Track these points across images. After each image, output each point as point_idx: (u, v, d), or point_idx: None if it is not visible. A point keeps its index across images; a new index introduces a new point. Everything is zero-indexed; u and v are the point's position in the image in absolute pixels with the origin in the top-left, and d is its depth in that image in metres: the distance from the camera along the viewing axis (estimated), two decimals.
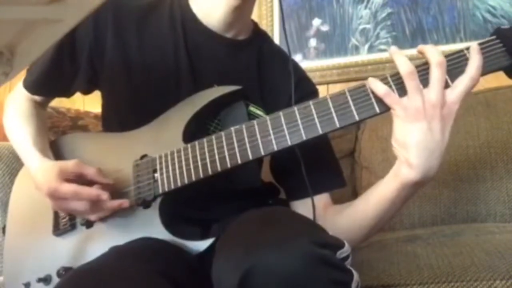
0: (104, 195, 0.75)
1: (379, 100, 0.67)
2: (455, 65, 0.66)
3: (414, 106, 0.65)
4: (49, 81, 0.91)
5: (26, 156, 0.87)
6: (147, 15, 0.89)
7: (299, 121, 0.70)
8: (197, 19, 0.89)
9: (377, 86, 0.67)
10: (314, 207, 0.80)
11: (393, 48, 0.68)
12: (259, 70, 0.92)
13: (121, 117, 0.90)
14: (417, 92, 0.64)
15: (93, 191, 0.75)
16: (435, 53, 0.65)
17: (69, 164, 0.77)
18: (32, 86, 0.93)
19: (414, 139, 0.65)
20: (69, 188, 0.74)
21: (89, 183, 0.76)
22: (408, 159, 0.66)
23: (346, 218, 0.81)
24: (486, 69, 0.66)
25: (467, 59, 0.66)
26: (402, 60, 0.65)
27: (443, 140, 0.65)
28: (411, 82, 0.65)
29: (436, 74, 0.64)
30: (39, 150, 0.86)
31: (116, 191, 0.78)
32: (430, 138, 0.65)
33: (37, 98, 0.96)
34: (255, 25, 0.97)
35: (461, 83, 0.65)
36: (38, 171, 0.79)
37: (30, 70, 0.94)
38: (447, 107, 0.65)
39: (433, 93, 0.64)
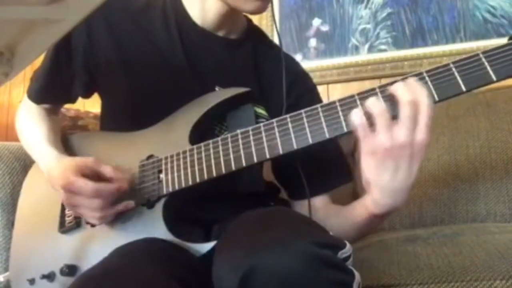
0: (125, 186, 0.75)
1: (392, 103, 0.65)
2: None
3: (382, 146, 0.63)
4: (50, 89, 0.92)
5: (41, 154, 0.87)
6: (140, 15, 0.89)
7: (306, 125, 0.69)
8: (190, 18, 0.88)
9: (354, 115, 0.64)
10: (310, 208, 0.80)
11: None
12: (255, 67, 0.92)
13: (119, 118, 0.90)
14: (386, 131, 0.62)
15: (113, 185, 0.74)
16: (405, 92, 0.62)
17: (88, 161, 0.76)
18: (34, 95, 0.94)
19: (381, 181, 0.66)
20: (88, 184, 0.72)
21: (103, 181, 0.75)
22: (374, 197, 0.69)
23: (335, 221, 0.81)
24: (506, 74, 0.63)
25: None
26: (372, 101, 0.63)
27: (410, 177, 0.65)
28: (380, 120, 0.62)
29: (407, 111, 0.62)
30: (55, 148, 0.86)
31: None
32: (397, 178, 0.64)
33: (45, 105, 0.96)
34: (249, 22, 0.97)
35: (422, 118, 0.62)
36: (54, 167, 0.78)
37: (32, 79, 0.94)
38: (416, 145, 0.63)
39: (402, 133, 0.62)
